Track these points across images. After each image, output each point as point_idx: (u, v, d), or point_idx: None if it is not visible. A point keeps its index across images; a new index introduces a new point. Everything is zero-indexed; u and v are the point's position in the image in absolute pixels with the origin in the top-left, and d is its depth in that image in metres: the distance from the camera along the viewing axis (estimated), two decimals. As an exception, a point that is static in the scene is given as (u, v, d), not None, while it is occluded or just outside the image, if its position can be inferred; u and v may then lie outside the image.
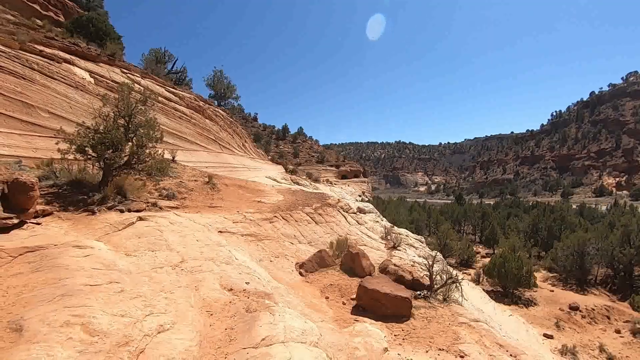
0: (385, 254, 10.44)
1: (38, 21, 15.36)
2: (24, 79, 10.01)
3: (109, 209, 6.34)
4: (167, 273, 4.68)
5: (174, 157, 12.13)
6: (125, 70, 14.92)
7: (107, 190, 6.53)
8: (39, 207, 5.27)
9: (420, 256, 11.04)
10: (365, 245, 10.36)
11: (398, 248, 11.38)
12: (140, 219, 6.31)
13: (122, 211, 6.39)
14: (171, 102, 16.53)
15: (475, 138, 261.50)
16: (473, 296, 11.61)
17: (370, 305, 5.66)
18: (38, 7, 18.30)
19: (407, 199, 76.07)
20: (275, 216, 9.22)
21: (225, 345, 3.10)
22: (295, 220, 9.64)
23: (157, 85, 16.43)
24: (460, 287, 6.73)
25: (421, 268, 8.28)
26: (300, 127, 68.50)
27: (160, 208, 7.31)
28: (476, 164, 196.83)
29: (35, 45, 11.38)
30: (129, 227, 6.02)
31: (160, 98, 15.35)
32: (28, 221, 4.97)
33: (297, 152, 54.77)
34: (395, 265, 7.74)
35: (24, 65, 10.26)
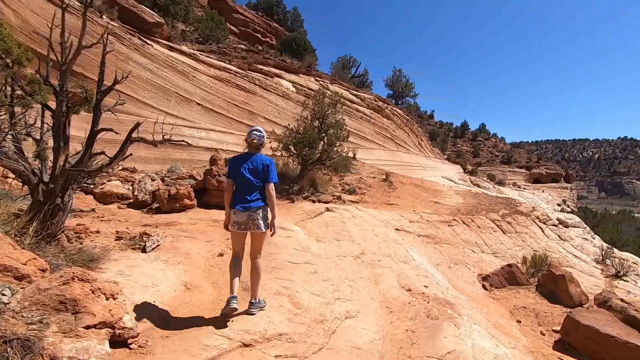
0: (603, 283, 8.15)
1: (259, 46, 19.41)
2: (249, 92, 12.85)
3: (304, 198, 7.35)
4: (350, 262, 5.02)
5: (354, 155, 13.01)
6: (318, 78, 17.06)
7: (303, 183, 7.60)
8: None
9: (661, 294, 8.02)
10: (571, 267, 8.35)
11: (623, 278, 8.65)
12: (328, 209, 7.05)
13: (313, 201, 7.30)
14: (353, 104, 17.84)
15: None
16: None
17: (582, 346, 4.46)
18: (259, 36, 23.20)
19: (635, 214, 57.09)
20: (454, 219, 8.57)
21: (407, 347, 3.03)
22: (478, 226, 8.68)
23: (343, 89, 18.03)
24: None
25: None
26: (482, 124, 61.68)
27: (344, 201, 7.96)
28: None
29: (257, 65, 14.40)
30: (319, 216, 6.81)
31: (345, 101, 16.80)
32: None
33: (477, 151, 49.79)
34: (622, 300, 5.85)
35: (249, 81, 13.16)
